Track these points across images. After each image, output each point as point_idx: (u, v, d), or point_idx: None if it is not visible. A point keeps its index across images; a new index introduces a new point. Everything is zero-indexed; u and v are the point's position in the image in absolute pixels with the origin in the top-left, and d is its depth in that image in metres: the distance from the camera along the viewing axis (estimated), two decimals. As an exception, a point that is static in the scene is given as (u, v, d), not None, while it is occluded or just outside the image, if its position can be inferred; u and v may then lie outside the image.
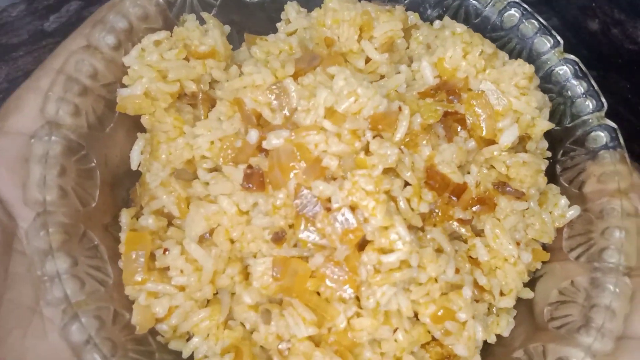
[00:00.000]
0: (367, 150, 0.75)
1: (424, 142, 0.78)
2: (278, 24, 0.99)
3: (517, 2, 0.95)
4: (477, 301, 0.83)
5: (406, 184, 0.78)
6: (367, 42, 0.87)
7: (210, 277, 0.74)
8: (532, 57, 0.93)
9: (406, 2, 1.00)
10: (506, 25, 0.95)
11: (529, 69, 0.86)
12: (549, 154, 0.92)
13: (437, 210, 0.80)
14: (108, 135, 0.85)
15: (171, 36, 0.87)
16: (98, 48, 0.83)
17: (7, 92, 0.95)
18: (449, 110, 0.80)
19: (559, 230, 0.89)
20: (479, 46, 0.85)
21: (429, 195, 0.77)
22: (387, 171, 0.77)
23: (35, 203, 0.72)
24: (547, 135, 0.93)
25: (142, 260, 0.74)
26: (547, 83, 0.93)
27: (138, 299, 0.74)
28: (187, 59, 0.87)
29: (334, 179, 0.74)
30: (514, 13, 0.94)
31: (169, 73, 0.84)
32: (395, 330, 0.74)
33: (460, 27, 0.88)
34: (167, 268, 0.75)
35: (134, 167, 0.87)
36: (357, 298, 0.75)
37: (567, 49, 0.93)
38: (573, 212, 0.88)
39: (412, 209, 0.76)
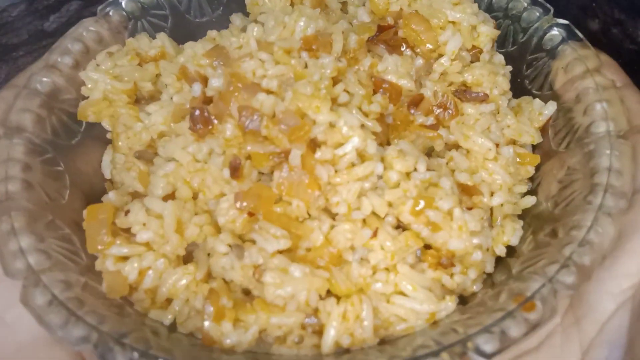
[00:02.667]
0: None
1: (364, 56, 0.78)
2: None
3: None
4: (469, 209, 0.77)
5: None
6: None
7: (174, 225, 0.71)
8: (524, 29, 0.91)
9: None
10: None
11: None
12: (509, 67, 0.90)
13: (397, 121, 0.77)
14: (76, 147, 0.87)
15: (123, 46, 0.93)
16: (56, 66, 0.88)
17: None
18: (382, 24, 0.81)
19: (545, 135, 0.84)
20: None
21: (379, 97, 0.75)
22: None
23: None
24: (508, 58, 0.91)
25: (104, 225, 0.71)
26: (492, 12, 0.94)
27: (106, 264, 0.71)
28: (140, 64, 0.92)
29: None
30: None
31: (123, 77, 0.88)
32: (375, 231, 0.68)
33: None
34: (131, 230, 0.72)
35: (107, 175, 0.88)
36: (330, 213, 0.71)
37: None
38: (550, 108, 0.84)
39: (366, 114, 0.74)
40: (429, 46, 0.83)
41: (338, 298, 0.68)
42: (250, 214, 0.69)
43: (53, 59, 0.89)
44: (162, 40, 0.93)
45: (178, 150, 0.76)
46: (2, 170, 0.75)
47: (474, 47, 0.88)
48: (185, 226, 0.73)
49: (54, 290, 0.64)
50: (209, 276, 0.74)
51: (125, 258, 0.71)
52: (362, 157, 0.70)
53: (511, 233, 0.77)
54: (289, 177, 0.68)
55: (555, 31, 0.86)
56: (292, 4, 0.93)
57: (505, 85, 0.85)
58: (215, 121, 0.74)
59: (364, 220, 0.70)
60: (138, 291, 0.71)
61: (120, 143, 0.85)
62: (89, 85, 0.88)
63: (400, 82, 0.78)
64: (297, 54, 0.76)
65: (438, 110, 0.79)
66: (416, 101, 0.79)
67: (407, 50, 0.83)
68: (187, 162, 0.74)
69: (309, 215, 0.70)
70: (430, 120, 0.78)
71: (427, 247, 0.72)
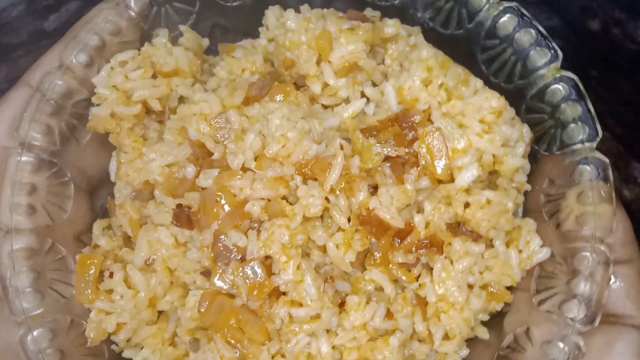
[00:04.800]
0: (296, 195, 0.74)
1: (361, 186, 0.75)
2: (260, 29, 0.95)
3: (514, 8, 0.83)
4: (420, 341, 0.81)
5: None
6: (327, 66, 0.82)
7: (146, 304, 0.80)
8: (526, 71, 0.83)
9: (395, 2, 0.92)
10: (500, 32, 0.84)
11: (497, 102, 0.77)
12: (528, 187, 0.84)
13: (376, 253, 0.77)
14: (84, 148, 0.90)
15: (139, 54, 0.89)
16: (70, 68, 0.87)
17: (7, 93, 1.01)
18: (391, 154, 0.75)
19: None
20: (439, 78, 0.77)
21: (357, 244, 0.74)
22: (321, 213, 0.75)
23: (4, 226, 0.81)
24: (534, 159, 0.84)
25: (90, 282, 0.81)
26: (540, 102, 0.83)
27: (90, 315, 0.82)
28: (155, 76, 0.88)
29: (261, 221, 0.74)
30: (509, 20, 0.83)
31: (133, 93, 0.86)
32: (315, 373, 0.76)
33: (427, 51, 0.80)
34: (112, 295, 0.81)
35: (113, 179, 0.92)
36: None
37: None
38: (542, 255, 0.81)
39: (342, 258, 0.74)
40: (439, 173, 0.77)
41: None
42: (205, 330, 0.76)
43: (67, 56, 0.86)
44: (177, 57, 0.87)
45: (162, 228, 0.80)
46: (10, 196, 0.81)
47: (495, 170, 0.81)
48: (158, 300, 0.81)
49: (42, 343, 0.77)
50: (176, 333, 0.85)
51: (106, 311, 0.82)
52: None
53: None
54: (244, 315, 0.73)
55: (588, 166, 0.79)
56: (320, 57, 0.83)
57: (508, 226, 0.80)
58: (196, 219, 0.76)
59: (308, 357, 0.76)
60: (117, 335, 0.84)
61: (121, 173, 0.88)
62: (98, 97, 0.87)
63: (390, 220, 0.75)
64: (290, 177, 0.73)
65: (422, 250, 0.78)
66: (404, 233, 0.77)
67: (414, 169, 0.77)
68: (168, 245, 0.79)
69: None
70: (410, 259, 0.78)
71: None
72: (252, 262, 0.71)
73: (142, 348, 0.85)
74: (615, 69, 0.77)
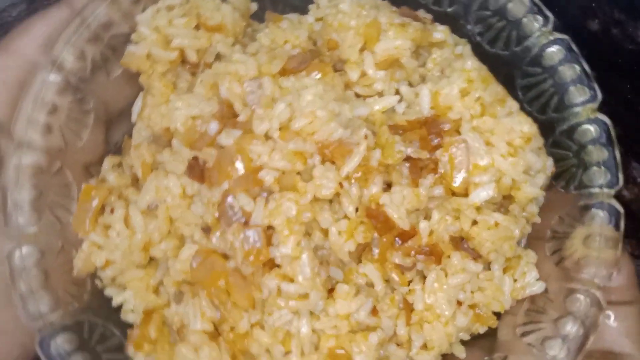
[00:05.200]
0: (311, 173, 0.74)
1: (376, 180, 0.74)
2: (310, 6, 0.95)
3: (564, 40, 0.82)
4: (398, 345, 0.81)
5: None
6: (369, 55, 0.82)
7: (140, 246, 0.80)
8: (562, 106, 0.83)
9: (449, 10, 0.91)
10: (545, 62, 0.84)
11: (528, 128, 0.77)
12: (538, 219, 0.84)
13: (375, 249, 0.77)
14: (112, 82, 0.90)
15: (187, 3, 0.88)
16: (117, 0, 0.86)
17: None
18: (413, 156, 0.75)
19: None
20: (478, 91, 0.77)
21: (360, 235, 0.74)
22: (333, 198, 0.75)
23: (18, 139, 0.81)
24: (547, 192, 0.84)
25: (90, 213, 0.81)
26: (568, 139, 0.83)
27: (82, 245, 0.82)
28: (197, 27, 0.88)
29: (272, 192, 0.74)
30: (556, 51, 0.82)
31: (173, 39, 0.86)
32: (287, 353, 0.76)
33: (472, 63, 0.80)
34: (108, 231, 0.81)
35: (133, 120, 0.92)
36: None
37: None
38: (536, 288, 0.81)
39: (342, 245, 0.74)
40: (455, 185, 0.77)
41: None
42: (191, 284, 0.76)
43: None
44: (224, 13, 0.87)
45: (173, 176, 0.79)
46: (30, 111, 0.81)
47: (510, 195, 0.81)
48: (153, 245, 0.81)
49: (28, 260, 0.77)
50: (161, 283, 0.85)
51: (99, 245, 0.82)
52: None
53: None
54: (234, 278, 0.73)
55: (602, 212, 0.79)
56: (364, 45, 0.83)
57: (510, 253, 0.80)
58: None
59: (286, 335, 0.76)
60: (104, 271, 0.84)
61: (144, 115, 0.87)
62: (138, 36, 0.87)
63: (397, 219, 0.75)
64: (310, 155, 0.73)
65: (421, 256, 0.77)
66: (406, 235, 0.77)
67: (431, 175, 0.77)
68: (175, 195, 0.79)
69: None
70: (407, 263, 0.78)
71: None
72: (255, 228, 0.71)
73: (125, 290, 0.85)
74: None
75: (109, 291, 0.85)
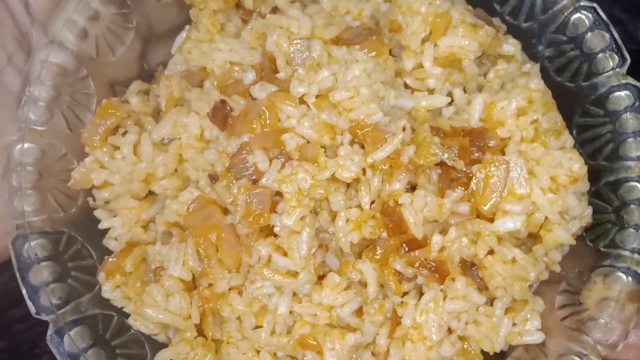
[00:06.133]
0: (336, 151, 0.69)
1: (401, 177, 0.69)
2: None
3: (635, 87, 0.76)
4: (374, 355, 0.76)
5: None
6: (431, 47, 0.76)
7: (142, 176, 0.76)
8: (616, 156, 0.76)
9: (524, 25, 0.85)
10: (610, 106, 0.77)
11: (579, 168, 0.71)
12: (558, 268, 0.78)
13: (379, 249, 0.72)
14: (162, 7, 0.87)
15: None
16: None
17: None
18: (448, 162, 0.69)
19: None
20: (537, 113, 0.71)
21: (367, 230, 0.69)
22: (347, 183, 0.71)
23: (52, 35, 0.77)
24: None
25: (102, 129, 0.77)
26: (612, 193, 0.77)
27: (85, 159, 0.78)
28: (262, -27, 0.84)
29: (290, 158, 0.69)
30: (624, 97, 0.76)
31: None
32: (258, 327, 0.71)
33: (537, 84, 0.74)
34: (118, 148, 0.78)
35: (173, 51, 0.88)
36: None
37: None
38: (534, 338, 0.75)
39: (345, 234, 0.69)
40: (483, 208, 0.71)
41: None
42: (182, 229, 0.72)
43: None
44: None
45: (194, 116, 0.75)
46: (70, 12, 0.78)
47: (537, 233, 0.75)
48: (155, 180, 0.77)
49: (27, 158, 0.74)
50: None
51: (102, 163, 0.78)
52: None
53: None
54: (227, 235, 0.69)
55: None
56: (428, 36, 0.77)
57: (519, 295, 0.74)
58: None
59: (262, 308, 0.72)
60: (99, 191, 0.80)
61: (185, 49, 0.84)
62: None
63: (411, 225, 0.70)
64: (340, 131, 0.68)
65: (424, 270, 0.72)
66: (415, 244, 0.72)
67: (459, 189, 0.72)
68: (191, 135, 0.75)
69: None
70: (408, 272, 0.72)
71: None
72: (263, 189, 0.67)
73: (115, 216, 0.81)
74: None
75: (98, 213, 0.81)
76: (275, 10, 0.84)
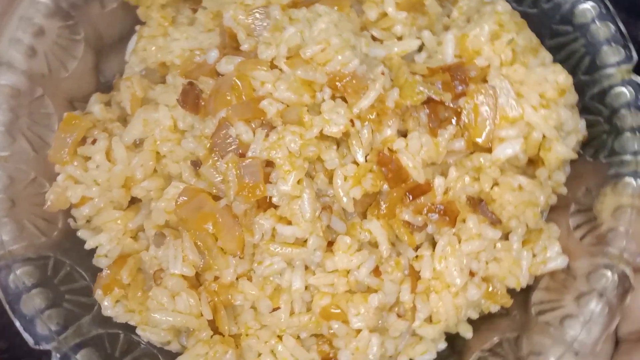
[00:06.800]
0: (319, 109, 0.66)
1: (391, 122, 0.67)
2: None
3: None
4: (399, 316, 0.72)
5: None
6: None
7: (120, 181, 0.71)
8: (593, 67, 0.75)
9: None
10: (576, 20, 0.76)
11: (564, 79, 0.69)
12: (564, 190, 0.76)
13: (383, 204, 0.69)
14: (108, 15, 0.83)
15: None
16: None
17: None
18: (435, 97, 0.67)
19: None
20: (511, 33, 0.70)
21: (368, 182, 0.66)
22: (337, 140, 0.68)
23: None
24: (575, 163, 0.76)
25: (69, 142, 0.72)
26: (599, 103, 0.76)
27: (57, 178, 0.74)
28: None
29: (273, 127, 0.66)
30: (589, 8, 0.75)
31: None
32: (276, 309, 0.67)
33: (503, 6, 0.72)
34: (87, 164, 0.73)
35: (126, 58, 0.85)
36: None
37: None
38: (558, 262, 0.73)
39: (347, 191, 0.66)
40: (479, 140, 0.69)
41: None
42: (174, 228, 0.68)
43: None
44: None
45: (164, 108, 0.72)
46: (15, 31, 0.74)
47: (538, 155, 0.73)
48: (135, 183, 0.73)
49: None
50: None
51: (76, 179, 0.74)
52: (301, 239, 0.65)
53: (418, 353, 0.74)
54: (224, 218, 0.64)
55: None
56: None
57: (532, 222, 0.72)
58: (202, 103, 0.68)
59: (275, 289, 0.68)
60: (78, 209, 0.75)
61: (139, 48, 0.80)
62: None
63: (411, 169, 0.67)
64: (319, 87, 0.65)
65: (433, 215, 0.69)
66: (418, 191, 0.69)
67: (452, 126, 0.70)
68: (165, 127, 0.71)
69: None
70: (418, 221, 0.69)
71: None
72: (252, 159, 0.63)
73: (100, 232, 0.76)
74: None
75: (82, 233, 0.76)
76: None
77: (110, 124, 0.77)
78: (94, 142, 0.73)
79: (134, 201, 0.76)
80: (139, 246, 0.74)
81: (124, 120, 0.79)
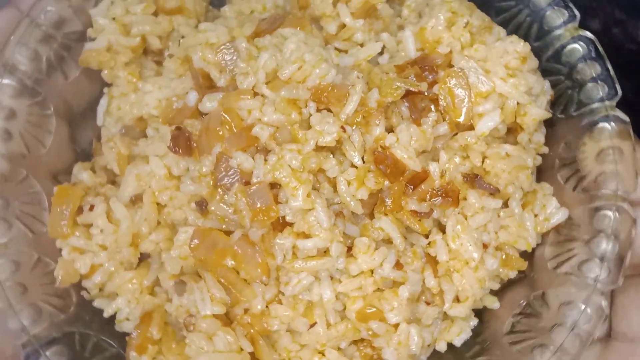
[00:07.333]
0: (309, 124, 0.68)
1: (377, 121, 0.69)
2: None
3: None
4: (428, 304, 0.74)
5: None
6: (343, 6, 0.78)
7: (128, 239, 0.71)
8: (542, 32, 0.80)
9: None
10: None
11: (522, 47, 0.74)
12: (546, 149, 0.80)
13: (388, 200, 0.71)
14: (73, 84, 0.83)
15: (142, -11, 0.83)
16: None
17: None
18: (412, 89, 0.70)
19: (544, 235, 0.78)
20: (465, 17, 0.74)
21: (371, 181, 0.68)
22: (332, 150, 0.70)
23: None
24: (549, 124, 0.80)
25: (67, 214, 0.72)
26: (556, 63, 0.80)
27: (62, 253, 0.73)
28: (156, 14, 0.83)
29: (268, 150, 0.68)
30: None
31: (132, 27, 0.80)
32: (313, 325, 0.67)
33: None
34: (90, 230, 0.73)
35: (99, 122, 0.85)
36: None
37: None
38: (560, 216, 0.76)
39: (353, 195, 0.68)
40: (460, 120, 0.73)
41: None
42: (192, 273, 0.68)
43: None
44: (185, -8, 0.82)
45: (155, 158, 0.72)
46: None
47: (515, 123, 0.77)
48: (142, 239, 0.73)
49: (2, 275, 0.67)
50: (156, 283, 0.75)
51: (81, 249, 0.73)
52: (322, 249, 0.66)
53: (456, 334, 0.75)
54: (243, 248, 0.65)
55: (608, 124, 0.75)
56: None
57: (526, 184, 0.76)
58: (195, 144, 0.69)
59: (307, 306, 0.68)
60: (90, 279, 0.74)
61: (112, 108, 0.81)
62: (96, 29, 0.80)
63: (407, 160, 0.70)
64: (304, 103, 0.68)
65: (437, 199, 0.72)
66: (417, 180, 0.72)
67: (433, 113, 0.73)
68: (160, 177, 0.72)
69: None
70: (424, 208, 0.72)
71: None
72: (259, 184, 0.64)
73: (116, 297, 0.75)
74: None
75: (98, 302, 0.75)
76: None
77: (102, 187, 0.77)
78: (91, 208, 0.73)
79: (141, 258, 0.76)
80: (159, 300, 0.74)
81: (112, 182, 0.79)
